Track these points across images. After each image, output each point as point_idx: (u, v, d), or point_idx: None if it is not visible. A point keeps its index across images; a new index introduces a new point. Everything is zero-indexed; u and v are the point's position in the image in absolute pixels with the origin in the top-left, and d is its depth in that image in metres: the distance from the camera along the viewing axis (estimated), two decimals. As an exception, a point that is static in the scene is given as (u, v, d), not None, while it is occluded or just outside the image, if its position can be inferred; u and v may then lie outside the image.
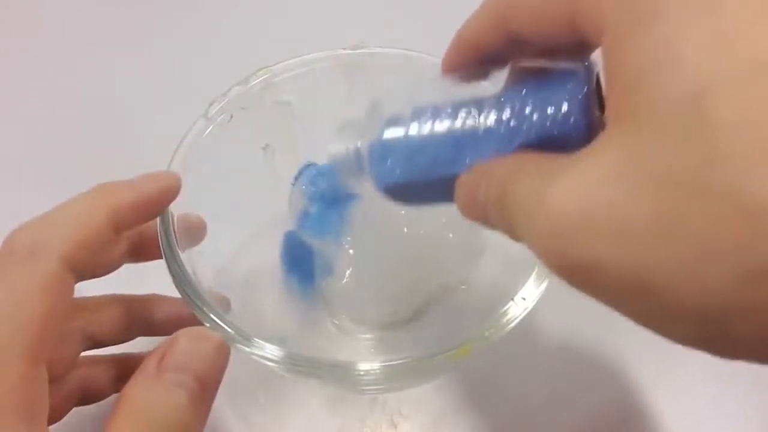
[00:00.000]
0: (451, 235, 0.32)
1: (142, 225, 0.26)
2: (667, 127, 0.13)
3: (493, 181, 0.18)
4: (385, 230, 0.31)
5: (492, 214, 0.18)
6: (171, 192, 0.26)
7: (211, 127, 0.31)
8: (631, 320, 0.14)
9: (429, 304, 0.34)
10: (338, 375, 0.25)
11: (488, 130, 0.19)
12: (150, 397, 0.20)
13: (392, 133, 0.21)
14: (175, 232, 0.27)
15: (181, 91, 0.45)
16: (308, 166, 0.33)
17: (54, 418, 0.25)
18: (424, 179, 0.21)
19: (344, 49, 0.33)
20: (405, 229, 0.31)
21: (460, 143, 0.20)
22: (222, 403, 0.33)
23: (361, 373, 0.24)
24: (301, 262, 0.35)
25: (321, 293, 0.33)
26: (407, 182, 0.21)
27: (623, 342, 0.35)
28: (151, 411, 0.20)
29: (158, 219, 0.27)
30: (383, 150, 0.22)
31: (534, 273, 0.26)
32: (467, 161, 0.20)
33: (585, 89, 0.18)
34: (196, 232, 0.30)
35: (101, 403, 0.28)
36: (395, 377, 0.25)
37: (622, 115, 0.14)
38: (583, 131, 0.18)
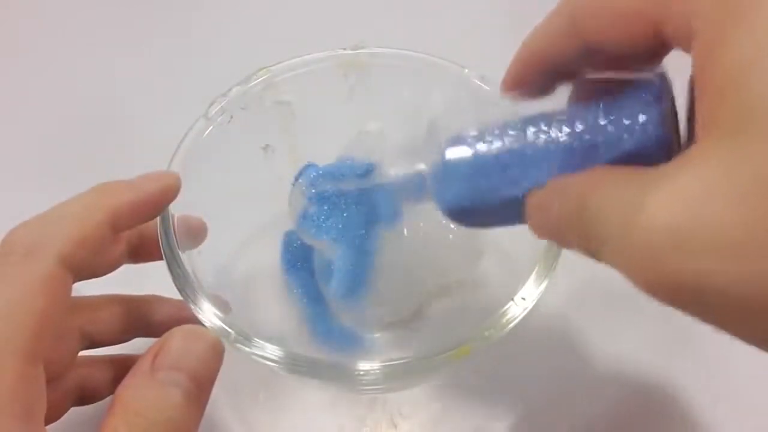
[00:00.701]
0: (450, 236, 0.32)
1: (142, 226, 0.26)
2: None
3: (569, 198, 0.17)
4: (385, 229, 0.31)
5: (568, 232, 0.17)
6: (171, 192, 0.26)
7: (211, 127, 0.31)
8: (746, 342, 0.14)
9: (429, 305, 0.34)
10: (338, 375, 0.25)
11: (559, 147, 0.19)
12: (144, 396, 0.20)
13: (455, 153, 0.20)
14: (175, 232, 0.27)
15: (181, 91, 0.45)
16: (308, 166, 0.33)
17: (52, 418, 0.25)
18: (490, 200, 0.20)
19: (344, 49, 0.33)
20: (405, 230, 0.31)
21: (529, 161, 0.19)
22: (222, 403, 0.33)
23: (361, 373, 0.24)
24: (301, 263, 0.35)
25: (321, 293, 0.33)
26: (473, 204, 0.21)
27: (623, 342, 0.35)
28: (145, 410, 0.20)
29: (158, 219, 0.27)
30: (446, 171, 0.21)
31: (534, 273, 0.26)
32: (537, 180, 0.19)
33: (663, 99, 0.17)
34: (196, 234, 0.30)
35: (99, 403, 0.28)
36: (395, 377, 0.25)
37: (721, 121, 0.14)
38: (662, 143, 0.17)
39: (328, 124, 0.34)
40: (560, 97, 0.21)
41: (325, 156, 0.32)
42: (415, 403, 0.33)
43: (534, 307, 0.26)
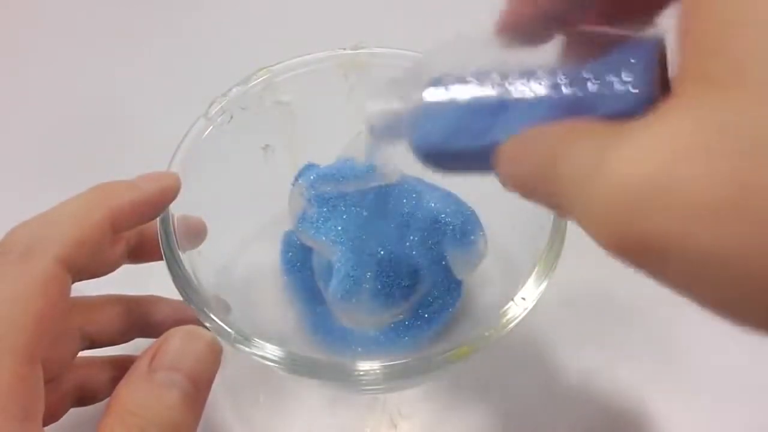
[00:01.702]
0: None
1: (142, 226, 0.26)
2: (761, 90, 0.12)
3: (539, 148, 0.17)
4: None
5: (536, 185, 0.17)
6: (170, 192, 0.26)
7: (211, 127, 0.31)
8: (702, 306, 0.13)
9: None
10: (338, 375, 0.25)
11: (540, 99, 0.18)
12: (141, 397, 0.20)
13: (434, 95, 0.20)
14: (175, 232, 0.27)
15: (181, 91, 0.45)
16: (308, 166, 0.33)
17: (51, 418, 0.25)
18: (465, 147, 0.20)
19: (344, 49, 0.33)
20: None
21: (508, 111, 0.18)
22: (222, 403, 0.33)
23: (361, 373, 0.24)
24: (300, 263, 0.35)
25: (321, 293, 0.33)
26: (446, 149, 0.20)
27: (623, 342, 0.35)
28: (142, 411, 0.20)
29: (158, 220, 0.27)
30: (423, 114, 0.20)
31: (534, 273, 0.26)
32: (513, 130, 0.18)
33: (652, 59, 0.17)
34: (196, 234, 0.30)
35: (99, 404, 0.28)
36: (395, 377, 0.25)
37: (702, 76, 0.13)
38: (647, 105, 0.16)
39: (328, 124, 0.34)
40: (553, 48, 0.20)
41: (325, 156, 0.32)
42: (415, 403, 0.33)
43: (534, 307, 0.26)
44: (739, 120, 0.12)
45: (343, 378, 0.25)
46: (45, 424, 0.20)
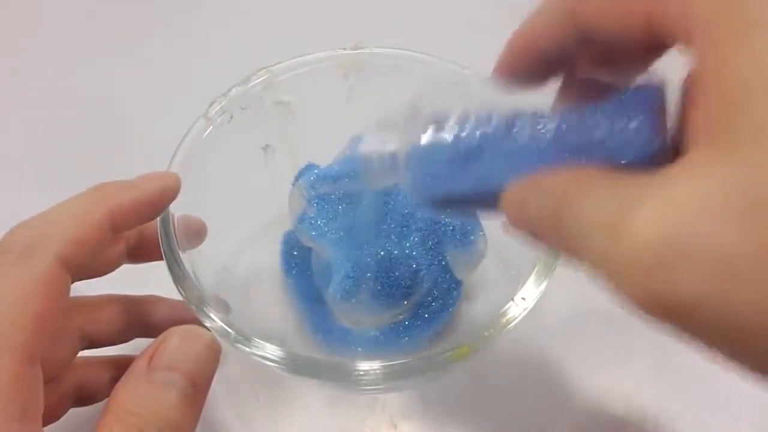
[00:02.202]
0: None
1: (142, 225, 0.26)
2: None
3: (548, 195, 0.17)
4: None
5: (546, 232, 0.17)
6: (170, 192, 0.26)
7: (211, 127, 0.31)
8: (727, 361, 0.13)
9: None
10: (338, 375, 0.25)
11: (542, 145, 0.18)
12: (140, 396, 0.20)
13: (434, 140, 0.20)
14: (175, 232, 0.27)
15: (181, 91, 0.45)
16: (308, 166, 0.33)
17: (51, 418, 0.25)
18: (465, 192, 0.19)
19: (344, 49, 0.33)
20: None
21: (510, 156, 0.18)
22: (222, 403, 0.33)
23: (361, 373, 0.24)
24: (300, 263, 0.35)
25: (321, 293, 0.33)
26: (446, 194, 0.20)
27: (622, 342, 0.35)
28: (141, 410, 0.20)
29: (158, 220, 0.27)
30: (422, 158, 0.20)
31: (534, 273, 0.26)
32: (516, 176, 0.18)
33: (658, 106, 0.17)
34: (196, 234, 0.30)
35: (98, 404, 0.28)
36: (395, 377, 0.25)
37: (721, 135, 0.13)
38: (652, 151, 0.16)
39: (328, 124, 0.34)
40: (551, 92, 0.20)
41: (325, 156, 0.32)
42: (415, 403, 0.33)
43: (534, 308, 0.26)
44: (757, 181, 0.12)
45: (343, 378, 0.25)
46: (44, 424, 0.20)
